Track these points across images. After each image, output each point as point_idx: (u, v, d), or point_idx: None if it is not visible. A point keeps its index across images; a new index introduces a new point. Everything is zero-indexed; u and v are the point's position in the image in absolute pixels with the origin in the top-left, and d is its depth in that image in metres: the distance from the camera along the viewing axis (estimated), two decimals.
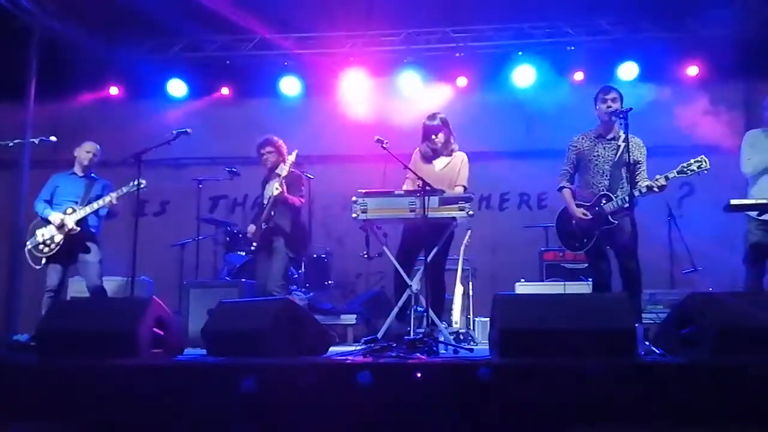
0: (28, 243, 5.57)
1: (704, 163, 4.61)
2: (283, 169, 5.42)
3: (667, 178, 4.66)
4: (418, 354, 3.83)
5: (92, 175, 5.82)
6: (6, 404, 3.26)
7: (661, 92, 7.65)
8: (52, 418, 3.27)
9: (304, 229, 5.70)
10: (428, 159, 5.13)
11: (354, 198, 4.73)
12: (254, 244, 5.56)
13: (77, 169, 5.81)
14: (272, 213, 5.44)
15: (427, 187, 4.60)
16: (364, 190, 4.76)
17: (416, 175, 4.75)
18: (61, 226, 5.51)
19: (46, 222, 5.56)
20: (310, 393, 3.30)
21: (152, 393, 3.39)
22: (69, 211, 5.57)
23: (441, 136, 5.04)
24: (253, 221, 5.72)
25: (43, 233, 5.55)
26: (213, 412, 3.32)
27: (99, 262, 5.61)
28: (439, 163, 5.10)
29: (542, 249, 7.03)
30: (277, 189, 5.32)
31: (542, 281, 6.67)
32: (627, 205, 4.59)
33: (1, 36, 7.32)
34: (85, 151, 5.79)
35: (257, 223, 5.57)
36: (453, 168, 5.07)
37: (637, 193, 4.69)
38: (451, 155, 5.12)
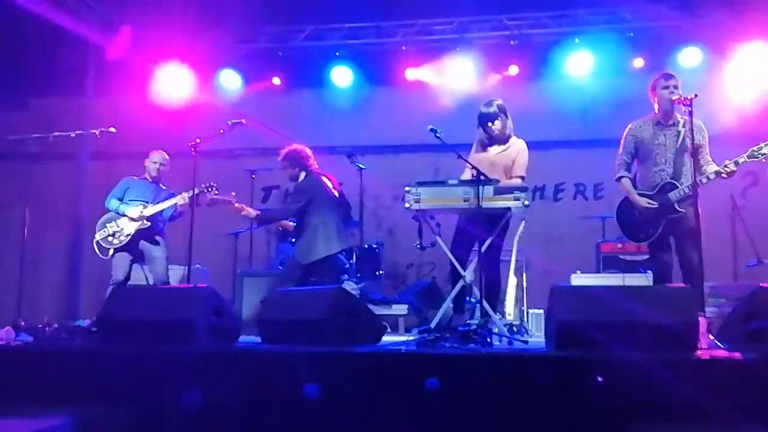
0: (96, 235, 5.76)
1: None
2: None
3: (737, 163, 4.48)
4: (472, 345, 3.79)
5: (160, 184, 6.04)
6: (67, 388, 3.34)
7: (723, 77, 7.39)
8: (111, 402, 3.34)
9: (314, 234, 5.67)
10: (484, 146, 5.04)
11: (407, 188, 4.69)
12: None
13: (148, 176, 6.04)
14: None
15: (482, 177, 4.54)
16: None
17: (470, 164, 4.68)
18: (135, 219, 5.72)
19: (120, 216, 5.78)
20: (367, 383, 3.30)
21: (210, 379, 3.44)
22: (141, 207, 5.80)
23: (498, 123, 4.94)
24: None
25: (112, 226, 5.77)
26: (268, 398, 3.35)
27: (165, 258, 5.83)
28: (494, 149, 5.00)
29: (599, 240, 6.87)
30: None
31: (598, 273, 6.52)
32: (694, 191, 4.44)
33: (59, 29, 7.50)
34: (152, 162, 5.99)
35: None
36: (509, 155, 4.96)
37: (704, 180, 4.54)
38: (506, 141, 5.02)
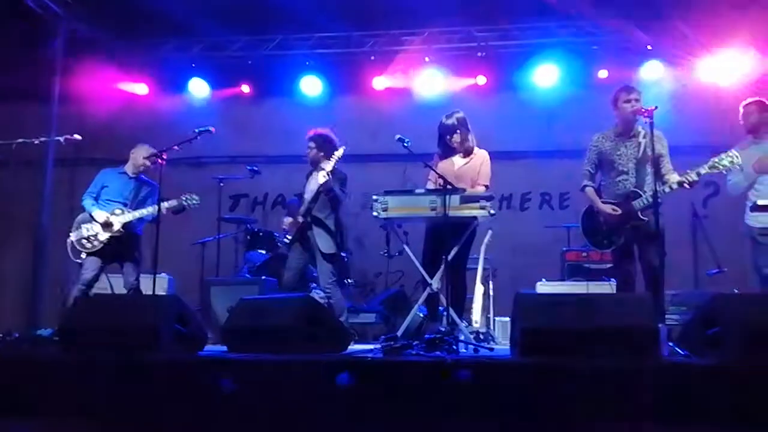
0: (71, 235, 5.58)
1: (736, 158, 4.51)
2: (328, 164, 5.27)
3: (698, 174, 4.57)
4: (438, 353, 3.80)
5: (142, 176, 5.84)
6: (29, 398, 3.28)
7: (684, 90, 7.57)
8: (74, 412, 3.29)
9: (341, 225, 5.54)
10: (446, 157, 5.09)
11: (375, 196, 4.73)
12: (288, 236, 5.50)
13: (128, 169, 5.81)
14: (312, 206, 5.34)
15: (449, 186, 4.58)
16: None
17: (438, 174, 4.73)
18: (106, 225, 5.55)
19: (92, 218, 5.59)
20: (329, 389, 3.30)
21: (174, 388, 3.41)
22: (117, 212, 5.61)
23: (457, 136, 5.01)
24: (289, 214, 5.68)
25: (88, 228, 5.57)
26: (231, 407, 3.33)
27: (137, 263, 5.69)
28: (458, 161, 5.06)
29: (564, 249, 6.97)
30: (324, 177, 5.19)
31: (564, 281, 6.61)
32: (657, 200, 4.53)
33: (26, 36, 7.41)
34: (142, 157, 5.74)
35: (294, 215, 5.51)
36: (473, 167, 5.03)
37: (667, 189, 4.64)
38: (470, 154, 5.07)
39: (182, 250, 7.53)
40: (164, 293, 6.45)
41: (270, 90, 8.70)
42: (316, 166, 5.51)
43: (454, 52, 8.22)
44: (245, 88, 8.70)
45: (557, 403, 3.20)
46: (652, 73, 7.82)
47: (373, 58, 8.29)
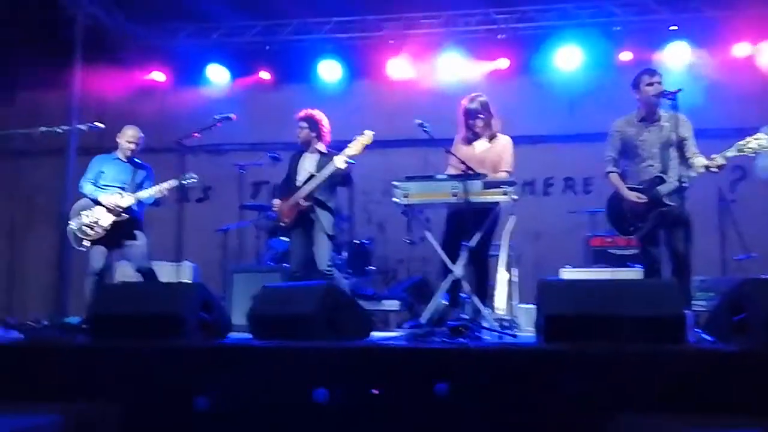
0: (71, 223, 5.56)
1: (764, 140, 4.40)
2: (351, 149, 5.21)
3: (725, 158, 4.48)
4: (462, 339, 3.80)
5: (135, 160, 5.81)
6: (59, 384, 3.33)
7: (711, 72, 7.43)
8: (102, 398, 3.33)
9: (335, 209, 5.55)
10: (468, 142, 5.04)
11: (395, 182, 4.70)
12: (285, 220, 5.39)
13: (120, 155, 5.78)
14: (314, 189, 5.26)
15: (470, 171, 4.55)
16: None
17: (459, 159, 4.70)
18: (111, 210, 5.52)
19: (94, 203, 5.57)
20: (356, 378, 3.31)
21: (198, 374, 3.44)
22: (118, 196, 5.57)
23: (480, 121, 4.96)
24: (281, 196, 5.51)
25: (88, 215, 5.54)
26: (257, 393, 3.35)
27: (145, 244, 5.63)
28: (480, 145, 5.01)
29: (588, 234, 6.90)
30: (343, 162, 5.14)
31: (588, 267, 6.55)
32: (683, 184, 4.46)
33: (45, 24, 7.45)
34: (126, 140, 5.73)
35: (289, 198, 5.38)
36: (495, 151, 4.98)
37: (693, 174, 4.57)
38: (493, 138, 5.02)
39: (205, 238, 7.58)
40: (188, 281, 6.47)
41: (288, 76, 8.66)
42: (308, 147, 5.51)
43: (473, 35, 8.14)
44: (265, 75, 8.68)
45: (582, 390, 3.18)
46: (678, 55, 7.68)
47: (391, 42, 8.23)
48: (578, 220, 7.36)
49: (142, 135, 5.84)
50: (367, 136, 5.22)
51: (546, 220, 7.87)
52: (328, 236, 5.31)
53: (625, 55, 7.80)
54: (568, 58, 7.98)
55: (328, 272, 5.26)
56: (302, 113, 5.58)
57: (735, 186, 7.43)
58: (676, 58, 7.65)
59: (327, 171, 5.23)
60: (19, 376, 3.45)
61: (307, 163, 5.45)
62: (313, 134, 5.49)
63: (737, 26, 7.47)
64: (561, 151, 8.12)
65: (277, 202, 5.52)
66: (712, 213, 6.99)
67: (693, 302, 5.48)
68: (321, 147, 5.45)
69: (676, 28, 7.54)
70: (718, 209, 6.94)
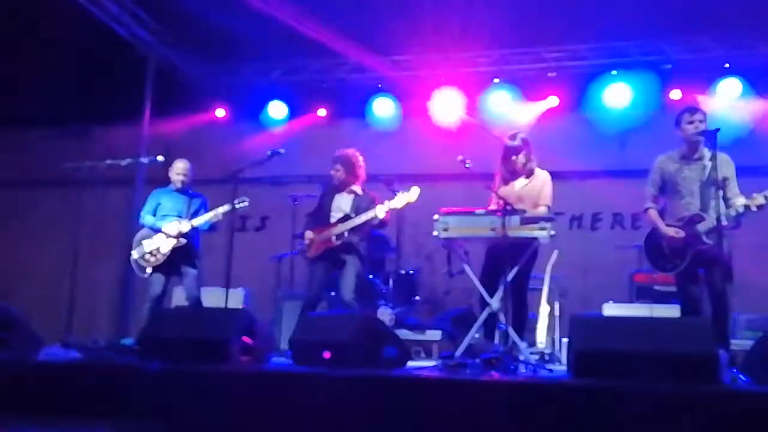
0: (134, 252, 5.94)
1: None
2: (394, 202, 5.36)
3: (766, 197, 4.49)
4: (493, 372, 3.89)
5: (189, 191, 6.14)
6: (107, 402, 3.58)
7: (763, 110, 7.35)
8: (148, 417, 3.55)
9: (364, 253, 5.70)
10: (506, 180, 5.17)
11: (436, 216, 4.86)
12: (312, 253, 5.52)
13: (174, 186, 6.12)
14: (346, 234, 5.40)
15: (509, 207, 4.67)
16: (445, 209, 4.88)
17: (497, 194, 4.82)
18: (172, 237, 5.85)
19: (155, 232, 5.92)
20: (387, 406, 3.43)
21: (240, 397, 3.63)
22: (177, 223, 5.91)
23: (521, 157, 5.08)
24: (313, 229, 5.62)
25: (150, 243, 5.92)
26: (293, 417, 3.51)
27: (197, 274, 5.96)
28: (519, 182, 5.13)
29: (633, 270, 6.87)
30: (383, 212, 5.31)
31: (632, 303, 6.52)
32: (722, 223, 4.47)
33: (120, 64, 8.00)
34: (176, 173, 6.09)
35: (321, 233, 5.52)
36: (534, 187, 5.08)
37: (733, 212, 4.57)
38: (531, 174, 5.13)
39: (261, 266, 7.89)
40: (239, 306, 6.75)
41: (344, 111, 8.97)
42: (344, 187, 5.62)
43: (524, 73, 8.28)
44: (322, 112, 9.01)
45: (609, 427, 3.22)
46: (730, 91, 7.63)
47: (443, 79, 8.44)
48: (626, 255, 7.32)
49: (189, 165, 6.17)
50: (413, 193, 5.36)
51: (594, 255, 7.86)
52: (358, 275, 5.46)
53: (675, 93, 7.80)
54: (617, 96, 8.02)
55: (351, 303, 5.35)
56: (338, 153, 5.71)
57: None
58: (728, 95, 7.58)
59: (365, 216, 5.36)
60: (72, 392, 3.70)
61: (344, 203, 5.59)
62: (349, 175, 5.62)
63: None
64: (610, 187, 8.10)
65: (309, 234, 5.62)
66: (764, 251, 6.84)
67: (738, 341, 5.43)
68: (357, 188, 5.61)
69: (728, 66, 7.48)
70: None
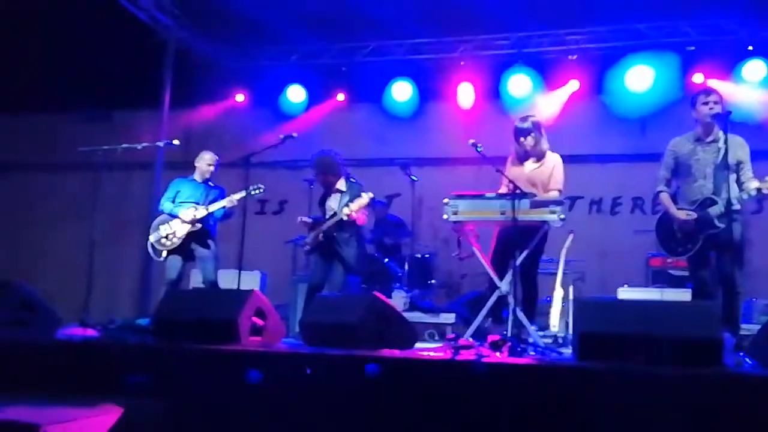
0: (151, 237, 6.11)
1: None
2: (352, 207, 5.48)
3: None
4: (498, 353, 3.90)
5: (209, 183, 6.29)
6: (118, 380, 3.67)
7: None
8: (160, 395, 3.64)
9: (362, 245, 5.87)
10: (519, 161, 5.17)
11: (446, 200, 4.87)
12: (308, 246, 5.78)
13: (197, 176, 6.28)
14: (333, 231, 5.57)
15: (518, 191, 4.66)
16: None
17: (507, 178, 4.82)
18: (188, 222, 5.99)
19: (172, 218, 6.07)
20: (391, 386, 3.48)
21: (251, 377, 3.70)
22: (193, 209, 6.05)
23: (530, 139, 5.05)
24: (313, 224, 5.84)
25: (166, 228, 6.06)
26: (298, 396, 3.58)
27: (215, 258, 6.09)
28: (529, 165, 5.11)
29: (649, 254, 6.82)
30: (345, 217, 5.47)
31: (647, 287, 6.48)
32: (734, 207, 4.42)
33: (140, 49, 8.09)
34: (206, 164, 6.25)
35: (317, 229, 5.71)
36: (545, 171, 5.06)
37: (745, 196, 4.52)
38: (542, 157, 5.11)
39: (278, 249, 7.98)
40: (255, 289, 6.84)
41: (362, 95, 8.99)
42: (332, 188, 5.77)
43: (544, 55, 8.21)
44: (340, 97, 9.04)
45: (611, 409, 3.23)
46: (754, 74, 7.49)
47: (462, 63, 8.41)
48: (644, 239, 7.19)
49: (217, 158, 6.33)
50: (365, 198, 5.50)
51: (612, 239, 7.82)
52: (349, 267, 5.62)
53: (698, 77, 7.66)
54: (639, 79, 7.90)
55: None
56: (312, 160, 5.83)
57: None
58: (752, 78, 7.44)
59: (337, 218, 5.56)
60: (87, 369, 3.82)
61: (333, 202, 5.76)
62: (330, 176, 5.76)
63: None
64: (630, 171, 8.03)
65: (304, 219, 5.92)
66: None
67: (752, 326, 5.38)
68: (342, 185, 5.75)
69: (752, 48, 7.34)
70: None
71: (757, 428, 3.04)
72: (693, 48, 7.66)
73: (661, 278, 6.48)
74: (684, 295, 5.65)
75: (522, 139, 5.06)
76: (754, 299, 6.18)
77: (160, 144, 5.85)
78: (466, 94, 8.55)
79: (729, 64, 7.58)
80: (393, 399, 3.45)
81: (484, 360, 3.50)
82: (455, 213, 4.82)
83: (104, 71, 8.36)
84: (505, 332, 4.64)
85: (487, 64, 8.37)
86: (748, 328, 5.16)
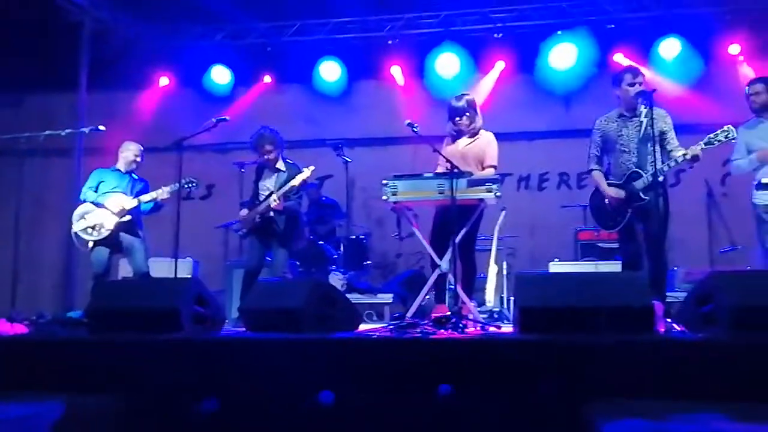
0: (74, 226, 5.87)
1: (731, 133, 4.59)
2: (298, 179, 5.50)
3: (695, 150, 4.61)
4: (443, 330, 3.97)
5: (133, 175, 6.10)
6: (57, 377, 3.53)
7: (702, 69, 7.55)
8: (100, 390, 3.52)
9: (298, 225, 5.86)
10: (453, 139, 5.23)
11: (384, 180, 4.88)
12: (243, 230, 5.74)
13: (120, 166, 6.07)
14: (270, 212, 5.55)
15: (456, 170, 4.71)
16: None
17: (445, 158, 4.87)
18: (116, 213, 5.80)
19: (98, 207, 5.85)
20: (340, 368, 3.48)
21: (195, 367, 3.62)
22: (121, 200, 5.86)
23: (465, 119, 5.12)
24: (248, 206, 5.79)
25: (92, 217, 5.84)
26: (249, 384, 3.54)
27: (145, 248, 5.95)
28: (463, 141, 5.18)
29: (577, 228, 7.06)
30: (275, 201, 5.47)
31: (577, 260, 6.71)
32: (658, 179, 4.61)
33: (53, 29, 7.70)
34: (132, 154, 6.04)
35: (251, 211, 5.66)
36: (478, 147, 5.13)
37: (672, 164, 4.72)
38: (475, 135, 5.18)
39: (208, 235, 7.82)
40: (188, 276, 6.71)
41: (290, 76, 8.87)
42: (273, 165, 5.72)
43: (471, 34, 8.30)
44: (267, 79, 8.88)
45: (555, 380, 3.34)
46: (671, 51, 7.80)
47: (390, 42, 8.40)
48: (572, 214, 7.51)
49: (142, 149, 6.14)
50: (306, 173, 5.52)
51: (541, 215, 8.04)
52: (290, 246, 5.67)
53: (618, 57, 7.92)
54: (562, 56, 8.11)
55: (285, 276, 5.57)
56: (267, 134, 5.77)
57: (726, 180, 7.51)
58: (668, 54, 7.75)
59: (263, 206, 5.55)
60: (22, 368, 3.65)
61: (269, 181, 5.72)
62: (278, 150, 5.74)
63: (730, 23, 7.57)
64: (556, 147, 8.27)
65: (243, 212, 5.79)
66: (701, 206, 7.12)
67: (676, 294, 5.66)
68: (280, 164, 5.72)
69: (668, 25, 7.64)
70: (707, 204, 7.06)
71: (687, 387, 3.21)
72: (612, 26, 7.87)
73: (589, 251, 6.71)
74: (615, 266, 5.87)
75: (457, 118, 5.12)
76: (676, 268, 6.49)
77: (86, 130, 5.60)
78: (395, 73, 8.55)
79: (647, 41, 7.86)
80: (343, 380, 3.46)
81: (432, 338, 3.56)
82: (394, 194, 4.84)
83: (14, 53, 7.92)
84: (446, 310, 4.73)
85: (415, 43, 8.38)
86: (674, 296, 5.42)
